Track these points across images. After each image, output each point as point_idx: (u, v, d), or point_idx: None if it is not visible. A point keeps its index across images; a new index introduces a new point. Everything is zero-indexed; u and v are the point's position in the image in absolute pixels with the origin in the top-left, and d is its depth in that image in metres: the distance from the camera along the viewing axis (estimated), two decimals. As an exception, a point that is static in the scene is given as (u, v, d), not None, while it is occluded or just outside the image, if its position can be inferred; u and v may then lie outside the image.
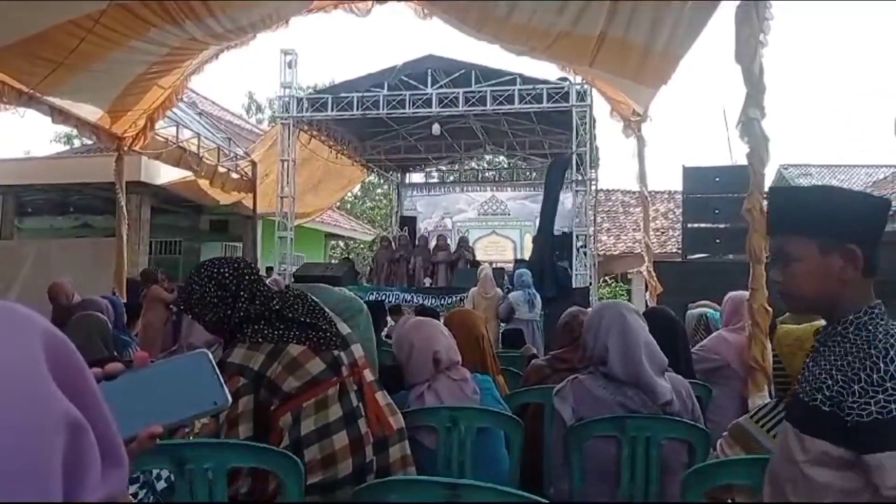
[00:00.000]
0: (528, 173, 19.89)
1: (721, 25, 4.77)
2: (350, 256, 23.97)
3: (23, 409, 0.62)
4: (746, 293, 4.34)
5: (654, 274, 8.27)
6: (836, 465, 1.53)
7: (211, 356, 0.99)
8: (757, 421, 2.20)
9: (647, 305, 8.38)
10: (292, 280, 10.85)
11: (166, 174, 11.90)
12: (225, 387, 0.97)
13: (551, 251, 11.67)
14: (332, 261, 21.78)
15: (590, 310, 4.56)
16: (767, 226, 1.94)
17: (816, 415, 1.57)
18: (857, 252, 1.63)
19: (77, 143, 24.65)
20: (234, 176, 12.88)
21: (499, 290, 9.78)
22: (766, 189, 4.35)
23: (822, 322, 1.75)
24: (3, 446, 0.58)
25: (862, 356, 1.54)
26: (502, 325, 9.11)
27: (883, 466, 1.43)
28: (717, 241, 8.19)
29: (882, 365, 1.49)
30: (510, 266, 13.06)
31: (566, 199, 13.70)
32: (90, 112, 8.01)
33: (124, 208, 9.11)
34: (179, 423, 0.98)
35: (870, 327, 1.60)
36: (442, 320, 3.72)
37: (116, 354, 4.35)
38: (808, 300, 1.72)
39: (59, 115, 7.63)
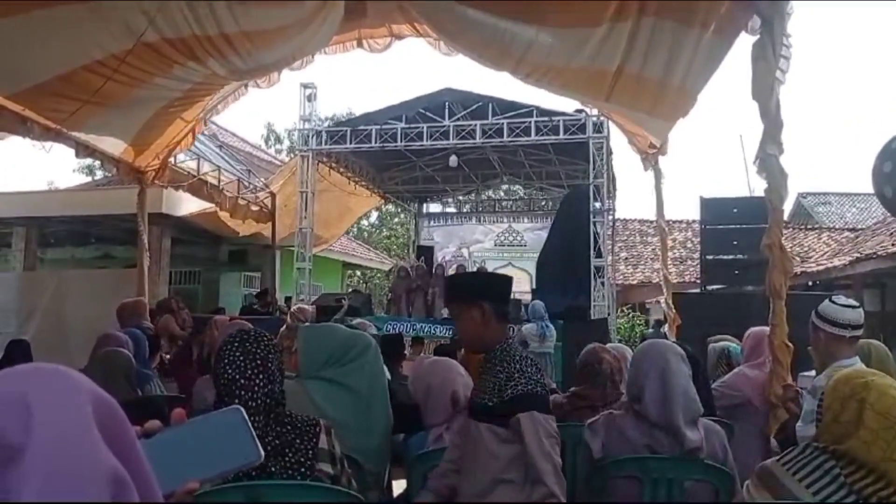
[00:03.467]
0: (544, 203, 19.91)
1: (739, 55, 4.82)
2: (361, 288, 23.96)
3: (77, 465, 0.69)
4: (767, 329, 4.32)
5: (672, 306, 8.24)
6: (504, 439, 2.45)
7: (244, 412, 1.02)
8: (784, 465, 2.18)
9: (665, 338, 8.34)
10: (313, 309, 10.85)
11: (187, 206, 12.04)
12: (257, 442, 1.00)
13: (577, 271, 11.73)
14: (350, 290, 21.84)
15: (612, 346, 4.57)
16: (445, 296, 3.41)
17: (490, 409, 2.48)
18: (486, 306, 2.61)
19: (99, 174, 24.99)
20: (254, 207, 13.01)
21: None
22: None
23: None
24: (60, 497, 0.65)
25: (507, 362, 2.54)
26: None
27: (518, 423, 2.39)
28: (736, 272, 8.17)
29: (520, 366, 2.52)
30: (527, 297, 13.03)
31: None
32: (113, 145, 8.14)
33: (146, 241, 9.21)
34: (215, 477, 1.01)
35: (509, 351, 2.60)
36: (459, 357, 3.73)
37: (139, 391, 4.38)
38: (469, 341, 2.79)
39: (84, 149, 7.77)
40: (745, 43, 5.03)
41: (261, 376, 2.20)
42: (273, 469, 2.12)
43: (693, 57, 5.78)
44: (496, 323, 2.64)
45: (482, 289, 2.73)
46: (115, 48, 5.82)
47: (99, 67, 6.02)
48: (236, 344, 2.26)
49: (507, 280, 2.91)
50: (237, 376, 2.19)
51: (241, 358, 2.22)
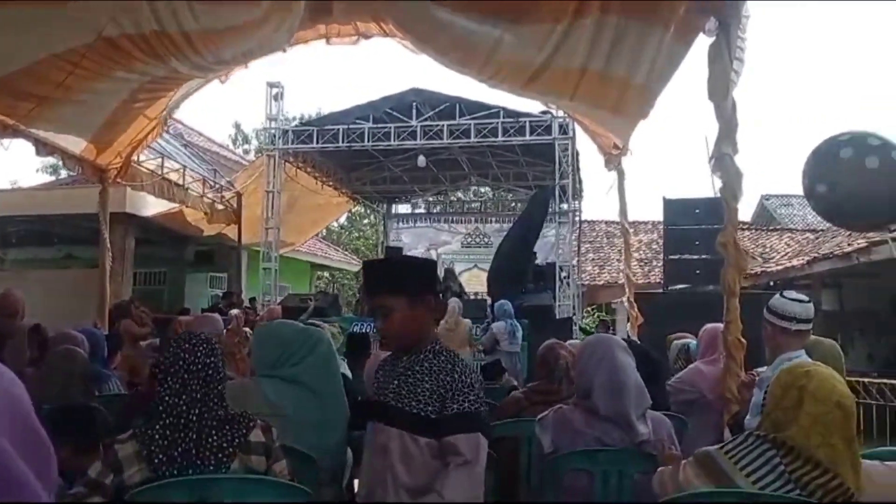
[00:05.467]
0: (512, 205, 20.01)
1: (701, 56, 4.89)
2: (329, 289, 23.84)
3: None
4: (721, 325, 4.40)
5: (634, 305, 8.33)
6: (434, 455, 2.19)
7: None
8: (726, 452, 2.23)
9: (627, 336, 8.43)
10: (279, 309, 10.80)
11: (151, 205, 11.91)
12: None
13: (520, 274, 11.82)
14: (317, 290, 21.74)
15: (571, 342, 4.62)
16: (366, 289, 2.81)
17: (431, 422, 2.20)
18: (433, 301, 2.34)
19: (63, 173, 24.57)
20: (220, 207, 12.91)
21: (466, 321, 9.70)
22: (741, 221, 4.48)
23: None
24: None
25: (447, 371, 2.25)
26: (482, 356, 9.11)
27: (457, 444, 2.14)
28: (697, 272, 8.26)
29: (464, 378, 2.24)
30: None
31: (548, 231, 13.79)
32: (74, 143, 8.02)
33: (108, 240, 9.09)
34: None
35: (442, 353, 2.31)
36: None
37: (97, 391, 4.33)
38: (402, 341, 2.38)
39: (44, 146, 7.65)
40: (706, 44, 5.13)
41: (195, 378, 2.26)
42: (195, 452, 2.19)
43: (655, 56, 5.86)
44: (433, 321, 2.43)
45: (430, 279, 2.47)
46: (76, 43, 5.76)
47: (59, 63, 5.95)
48: (171, 346, 2.34)
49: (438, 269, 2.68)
50: (171, 379, 2.26)
51: (171, 360, 2.28)
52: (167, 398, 2.22)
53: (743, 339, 4.26)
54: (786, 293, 3.24)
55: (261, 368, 3.03)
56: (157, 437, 2.17)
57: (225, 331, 4.52)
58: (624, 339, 3.48)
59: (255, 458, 2.27)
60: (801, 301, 3.19)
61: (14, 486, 0.81)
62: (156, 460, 2.14)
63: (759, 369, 4.16)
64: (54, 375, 3.83)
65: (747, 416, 3.25)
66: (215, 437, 2.21)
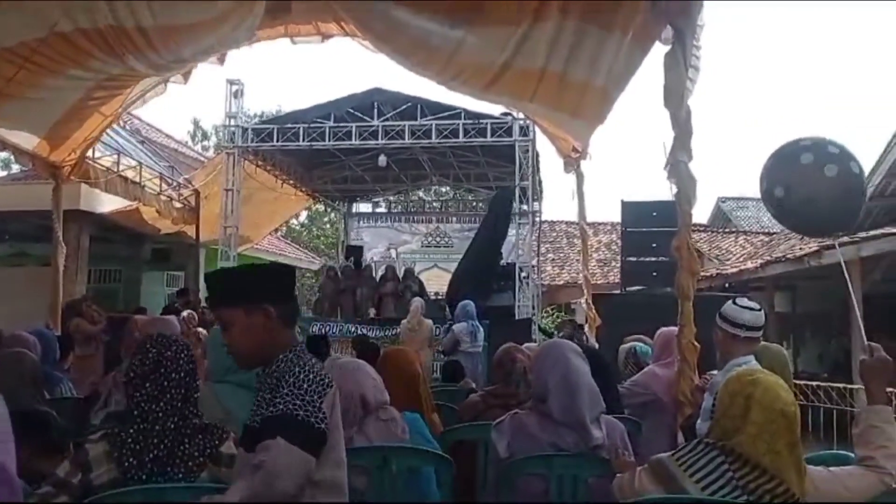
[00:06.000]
0: (473, 204, 20.07)
1: (659, 61, 4.95)
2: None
3: None
4: (676, 329, 4.46)
5: (593, 307, 8.42)
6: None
7: None
8: (677, 459, 2.28)
9: (586, 339, 8.52)
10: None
11: (107, 203, 11.70)
12: None
13: (487, 275, 11.87)
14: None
15: (528, 345, 4.66)
16: (208, 302, 2.50)
17: (248, 432, 2.04)
18: (271, 310, 2.14)
19: (16, 168, 24.00)
20: (177, 205, 12.74)
21: (428, 321, 9.70)
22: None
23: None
24: None
25: (284, 377, 2.06)
26: (441, 356, 9.14)
27: (258, 449, 1.93)
28: (655, 273, 8.38)
29: (292, 379, 2.04)
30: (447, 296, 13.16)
31: (509, 232, 13.86)
32: (26, 139, 7.85)
33: (61, 238, 8.90)
34: None
35: (295, 360, 2.11)
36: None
37: (47, 394, 4.24)
38: (248, 355, 2.20)
39: (-7, 142, 7.48)
40: (663, 51, 5.21)
41: (175, 386, 2.25)
42: (166, 459, 2.18)
43: (614, 61, 5.93)
44: (283, 328, 2.20)
45: (263, 287, 2.21)
46: (27, 37, 5.63)
47: (10, 56, 5.81)
48: (149, 350, 2.29)
49: (290, 273, 2.39)
50: (150, 385, 2.22)
51: (152, 365, 2.23)
52: (143, 404, 2.19)
53: (696, 343, 4.33)
54: (738, 301, 3.31)
55: (215, 373, 3.00)
56: (129, 440, 2.14)
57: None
58: (576, 343, 3.52)
59: (226, 470, 2.24)
60: (751, 309, 3.27)
61: None
62: (125, 463, 2.12)
63: (713, 372, 4.25)
64: (3, 379, 3.74)
65: (698, 421, 3.31)
66: (187, 446, 2.20)
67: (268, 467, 1.90)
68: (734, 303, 3.30)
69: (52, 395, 4.38)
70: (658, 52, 5.30)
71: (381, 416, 2.89)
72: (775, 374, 2.42)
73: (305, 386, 2.03)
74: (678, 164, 4.48)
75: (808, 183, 3.26)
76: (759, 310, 3.31)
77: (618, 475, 2.51)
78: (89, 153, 9.11)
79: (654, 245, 8.33)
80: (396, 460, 2.80)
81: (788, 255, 11.71)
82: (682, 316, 4.40)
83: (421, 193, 22.71)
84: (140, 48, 5.87)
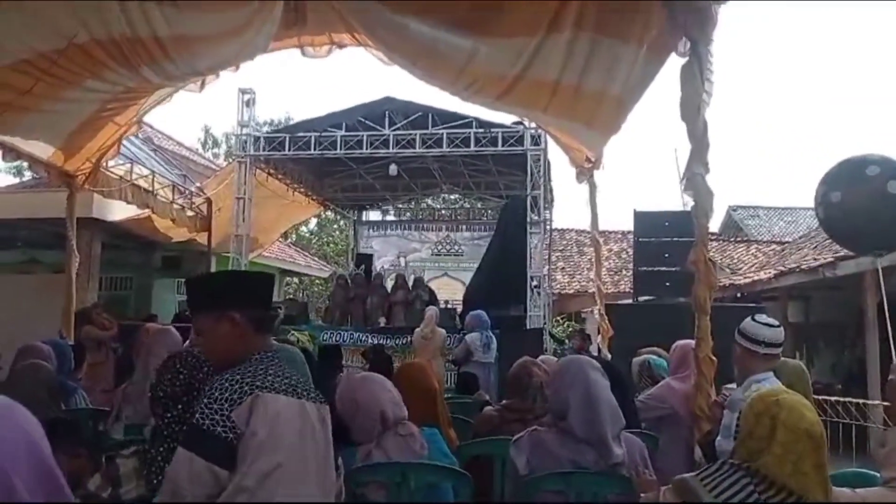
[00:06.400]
0: (483, 213, 20.06)
1: (674, 73, 4.94)
2: (298, 296, 23.63)
3: None
4: (693, 342, 4.44)
5: (606, 318, 8.39)
6: None
7: None
8: (702, 479, 2.26)
9: (598, 350, 8.48)
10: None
11: (119, 211, 11.74)
12: None
13: (509, 284, 11.86)
14: (287, 297, 21.59)
15: (543, 358, 4.64)
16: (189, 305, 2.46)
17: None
18: (237, 317, 2.18)
19: (28, 175, 24.15)
20: (189, 213, 12.78)
21: (441, 331, 9.65)
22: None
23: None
24: None
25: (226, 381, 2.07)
26: (452, 366, 9.10)
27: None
28: (667, 284, 8.35)
29: (225, 384, 2.04)
30: (461, 307, 13.12)
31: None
32: (42, 150, 7.90)
33: (74, 247, 8.95)
34: None
35: (249, 366, 2.12)
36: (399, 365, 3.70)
37: (63, 406, 4.26)
38: (218, 361, 2.23)
39: (10, 152, 7.54)
40: (678, 62, 5.20)
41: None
42: None
43: (629, 73, 5.91)
44: (254, 334, 2.22)
45: (229, 295, 2.26)
46: (45, 48, 5.65)
47: (28, 68, 5.84)
48: (179, 371, 2.30)
49: (262, 280, 2.42)
50: (178, 405, 2.23)
51: (183, 388, 2.23)
52: (174, 425, 2.18)
53: (714, 357, 4.30)
54: (757, 317, 3.30)
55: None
56: (158, 458, 2.14)
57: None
58: (594, 357, 3.50)
59: None
60: (771, 325, 3.25)
61: None
62: (154, 480, 2.12)
63: (729, 386, 4.22)
64: (20, 390, 3.76)
65: (718, 438, 3.29)
66: None
67: (170, 477, 1.96)
68: (753, 319, 3.29)
69: (66, 406, 4.41)
70: (671, 61, 5.32)
71: (400, 432, 2.88)
72: (796, 390, 2.40)
73: (217, 394, 2.02)
74: (695, 176, 4.45)
75: (867, 194, 3.23)
76: (779, 326, 3.30)
77: (642, 495, 2.50)
78: (103, 162, 9.15)
79: (667, 255, 8.31)
80: (415, 477, 2.79)
81: (803, 266, 11.65)
82: (699, 330, 4.36)
83: (430, 201, 22.69)
84: (156, 59, 5.88)
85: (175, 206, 12.10)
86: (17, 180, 24.64)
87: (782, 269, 12.84)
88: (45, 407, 3.74)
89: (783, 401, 2.20)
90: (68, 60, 5.85)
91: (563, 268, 23.18)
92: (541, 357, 4.63)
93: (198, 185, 14.43)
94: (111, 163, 9.96)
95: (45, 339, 4.89)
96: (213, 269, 15.13)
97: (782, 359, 3.40)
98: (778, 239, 22.40)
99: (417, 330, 9.70)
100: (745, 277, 15.05)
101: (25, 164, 8.94)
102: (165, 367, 2.31)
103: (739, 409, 2.48)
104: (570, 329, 19.00)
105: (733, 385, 4.08)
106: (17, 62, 5.75)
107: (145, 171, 11.54)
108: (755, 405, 2.25)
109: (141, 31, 5.58)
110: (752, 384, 3.08)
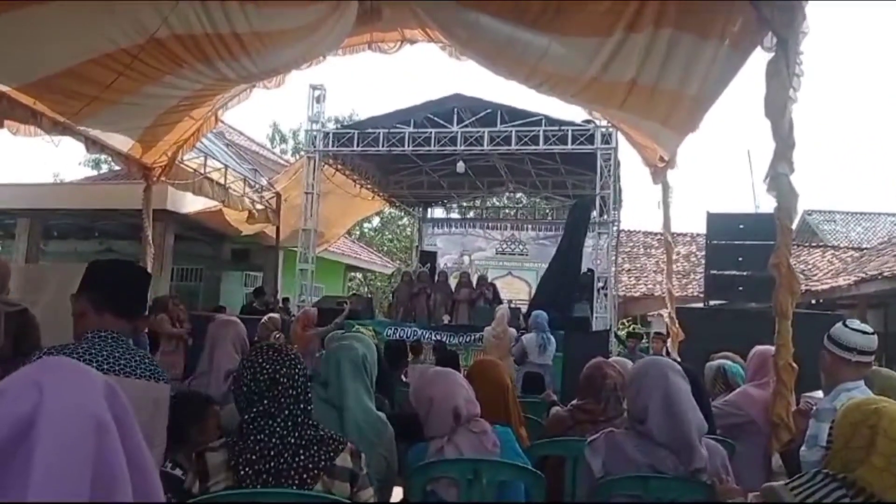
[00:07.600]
0: (548, 212, 19.89)
1: (749, 70, 4.78)
2: (360, 293, 23.88)
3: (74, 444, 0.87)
4: (772, 348, 4.28)
5: (676, 321, 8.19)
6: None
7: None
8: (792, 489, 2.16)
9: (667, 353, 8.29)
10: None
11: (191, 203, 12.04)
12: None
13: (570, 285, 11.71)
14: (351, 292, 21.82)
15: (615, 359, 4.54)
16: None
17: None
18: (82, 298, 2.39)
19: (105, 167, 25.05)
20: (259, 207, 13.02)
21: (512, 330, 9.56)
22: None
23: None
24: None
25: None
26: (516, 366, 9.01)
27: None
28: (740, 288, 8.14)
29: None
30: (526, 307, 13.02)
31: (587, 241, 13.67)
32: (121, 142, 8.13)
33: (150, 238, 9.19)
34: None
35: (98, 344, 2.27)
36: (463, 363, 3.68)
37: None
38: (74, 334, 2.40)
39: (93, 145, 7.77)
40: (754, 58, 5.02)
41: (293, 401, 2.22)
42: (283, 467, 2.15)
43: (709, 69, 5.73)
44: (94, 315, 2.38)
45: (83, 279, 2.46)
46: (126, 43, 5.80)
47: (111, 63, 6.00)
48: (263, 367, 2.26)
49: (117, 266, 2.60)
50: (267, 401, 2.21)
51: (268, 383, 2.22)
52: (259, 419, 2.17)
53: (794, 364, 4.14)
54: (849, 322, 3.15)
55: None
56: (246, 451, 2.14)
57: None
58: (673, 360, 3.40)
59: (339, 483, 2.20)
60: (864, 332, 3.10)
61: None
62: (241, 472, 2.12)
63: (810, 395, 4.05)
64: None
65: (802, 447, 3.15)
66: (303, 458, 2.16)
67: None
68: (845, 325, 3.14)
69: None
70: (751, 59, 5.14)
71: (473, 429, 2.84)
72: (891, 399, 2.27)
73: None
74: (779, 176, 4.29)
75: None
76: (873, 333, 3.14)
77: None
78: (178, 155, 9.38)
79: (741, 259, 8.09)
80: (487, 474, 2.75)
81: (885, 273, 11.20)
82: (779, 336, 4.21)
83: (494, 200, 22.63)
84: (234, 55, 5.98)
85: (246, 199, 12.34)
86: (94, 172, 25.58)
87: (863, 275, 12.37)
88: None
89: (883, 410, 2.08)
90: (149, 56, 5.99)
91: (630, 270, 22.84)
92: (612, 358, 4.53)
93: (267, 179, 14.69)
94: (185, 156, 10.21)
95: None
96: (280, 263, 15.40)
97: (875, 367, 3.24)
98: (855, 245, 21.57)
99: (489, 329, 9.62)
100: (821, 284, 14.55)
101: (102, 157, 9.21)
102: (246, 361, 2.31)
103: (828, 418, 2.37)
104: (631, 329, 18.66)
105: (813, 394, 3.91)
106: (101, 57, 5.92)
107: (218, 165, 11.80)
108: (851, 414, 2.14)
109: (221, 27, 5.68)
110: (842, 393, 2.94)
